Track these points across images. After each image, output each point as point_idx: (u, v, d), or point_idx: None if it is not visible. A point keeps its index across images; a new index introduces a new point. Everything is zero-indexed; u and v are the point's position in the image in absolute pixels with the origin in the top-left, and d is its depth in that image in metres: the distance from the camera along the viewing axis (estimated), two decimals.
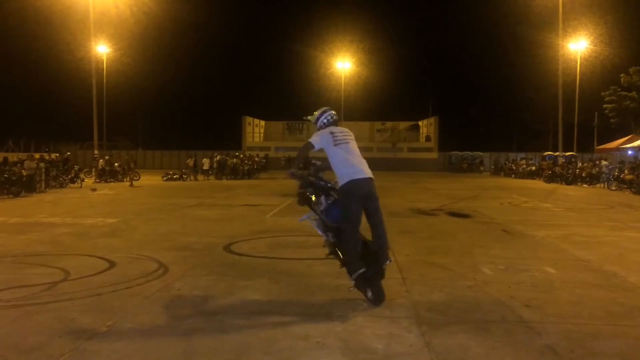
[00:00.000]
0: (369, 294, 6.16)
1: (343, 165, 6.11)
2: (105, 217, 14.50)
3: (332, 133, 6.21)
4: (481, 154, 55.02)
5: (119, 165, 33.47)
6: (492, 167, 49.20)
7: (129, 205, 18.37)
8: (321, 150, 6.28)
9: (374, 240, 6.28)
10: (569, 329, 5.46)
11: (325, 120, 6.45)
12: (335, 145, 6.13)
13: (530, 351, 4.89)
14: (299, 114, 65.55)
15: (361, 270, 6.05)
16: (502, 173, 44.40)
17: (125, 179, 32.23)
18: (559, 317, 5.88)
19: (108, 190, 25.50)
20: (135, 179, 32.69)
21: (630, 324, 5.67)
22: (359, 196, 6.08)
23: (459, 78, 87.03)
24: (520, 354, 4.82)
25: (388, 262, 6.26)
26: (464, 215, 15.62)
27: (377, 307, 6.11)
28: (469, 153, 55.05)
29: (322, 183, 6.39)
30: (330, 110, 6.55)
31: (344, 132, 6.36)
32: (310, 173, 6.49)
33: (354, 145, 6.28)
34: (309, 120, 6.71)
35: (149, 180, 33.14)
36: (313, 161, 6.58)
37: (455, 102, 76.94)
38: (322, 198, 6.34)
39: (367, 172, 6.20)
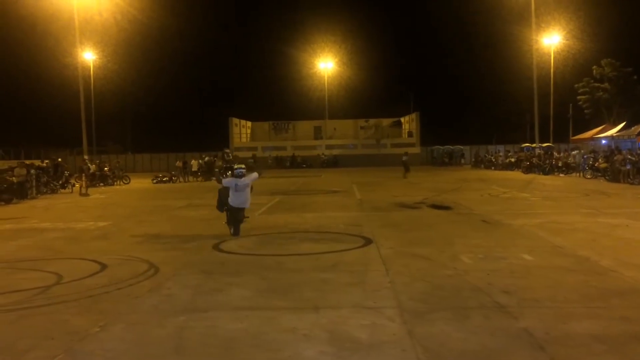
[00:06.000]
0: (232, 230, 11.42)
1: (233, 197, 11.39)
2: (96, 221, 14.62)
3: (235, 184, 11.37)
4: (462, 147, 55.69)
5: (109, 170, 33.51)
6: (473, 159, 49.90)
7: (119, 208, 18.47)
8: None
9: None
10: (544, 313, 5.70)
11: (238, 172, 11.57)
12: (235, 189, 11.38)
13: (507, 335, 5.11)
14: (284, 114, 66.26)
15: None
16: (482, 165, 45.02)
17: (115, 183, 32.34)
18: (535, 301, 6.14)
19: (99, 194, 25.54)
20: (125, 182, 32.79)
21: (602, 306, 5.92)
22: (232, 208, 11.45)
23: (439, 75, 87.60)
24: (497, 338, 5.04)
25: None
26: (445, 207, 15.91)
27: (361, 299, 6.35)
28: (450, 147, 55.77)
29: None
30: (242, 167, 11.80)
31: (245, 182, 11.47)
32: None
33: (247, 188, 11.51)
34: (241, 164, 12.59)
35: (139, 183, 33.17)
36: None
37: (436, 98, 77.74)
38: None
39: (243, 204, 11.47)
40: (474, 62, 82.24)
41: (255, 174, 12.40)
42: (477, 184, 26.19)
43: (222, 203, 11.70)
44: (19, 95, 62.80)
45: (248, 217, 12.12)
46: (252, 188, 11.90)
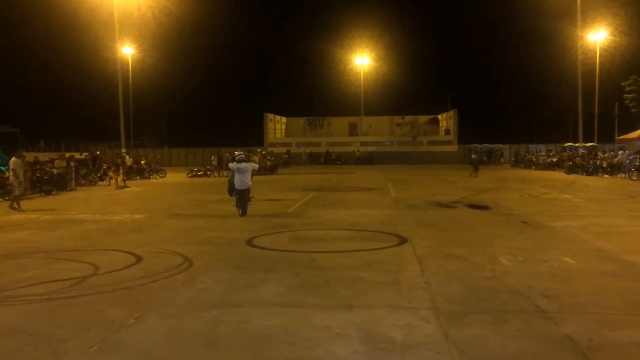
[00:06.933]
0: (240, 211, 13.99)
1: (236, 180, 14.01)
2: (132, 214, 14.84)
3: (238, 167, 13.99)
4: (501, 146, 54.64)
5: (146, 163, 34.07)
6: (512, 159, 48.87)
7: (155, 201, 18.73)
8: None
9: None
10: (587, 319, 5.48)
11: (238, 157, 14.32)
12: (238, 172, 13.97)
13: (547, 341, 4.93)
14: (319, 110, 66.43)
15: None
16: (522, 165, 44.06)
17: (151, 176, 32.86)
18: (577, 307, 5.91)
19: (135, 187, 25.98)
20: (161, 176, 33.28)
21: None
22: (238, 191, 14.02)
23: (477, 71, 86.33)
24: (537, 344, 4.86)
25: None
26: (484, 207, 15.59)
27: (396, 299, 6.25)
28: (489, 145, 54.73)
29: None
30: (241, 154, 14.76)
31: (246, 165, 14.18)
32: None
33: (247, 172, 14.03)
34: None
35: (174, 177, 33.61)
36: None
37: (475, 95, 76.65)
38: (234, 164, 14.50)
39: (245, 185, 13.98)
40: (515, 58, 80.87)
41: (255, 165, 15.75)
42: (517, 183, 25.66)
43: (232, 188, 14.41)
44: (61, 90, 64.60)
45: (253, 196, 14.90)
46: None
